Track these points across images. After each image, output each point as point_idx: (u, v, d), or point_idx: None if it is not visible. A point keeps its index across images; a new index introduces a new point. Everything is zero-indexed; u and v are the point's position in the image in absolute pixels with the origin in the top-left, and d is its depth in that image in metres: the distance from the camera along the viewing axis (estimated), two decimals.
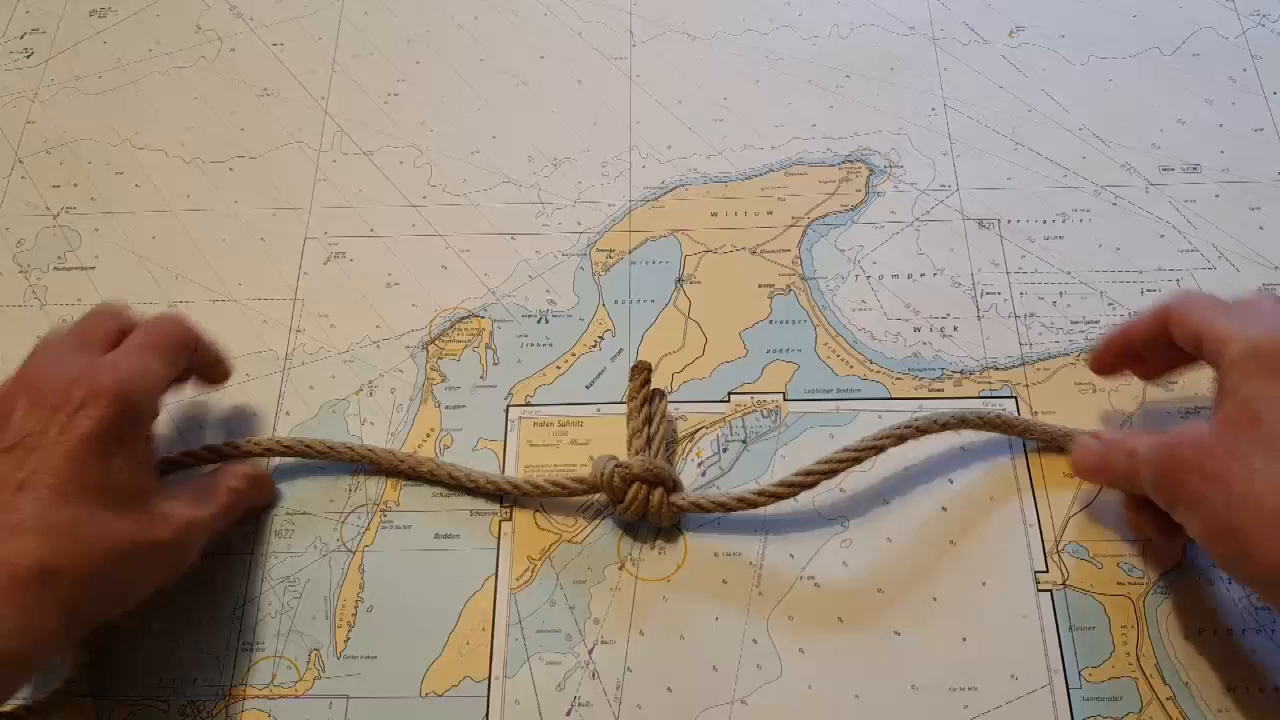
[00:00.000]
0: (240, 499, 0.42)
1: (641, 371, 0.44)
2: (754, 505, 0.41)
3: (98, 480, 0.35)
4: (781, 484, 0.41)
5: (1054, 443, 0.43)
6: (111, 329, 0.40)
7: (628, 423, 0.44)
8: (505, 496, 0.44)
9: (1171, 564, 0.41)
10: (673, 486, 0.42)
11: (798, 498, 0.43)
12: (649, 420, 0.43)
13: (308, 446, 0.44)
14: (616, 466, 0.41)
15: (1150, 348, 0.40)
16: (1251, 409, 0.33)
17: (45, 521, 0.33)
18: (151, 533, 0.36)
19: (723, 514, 0.42)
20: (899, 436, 0.42)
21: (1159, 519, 0.37)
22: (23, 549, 0.32)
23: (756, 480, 0.44)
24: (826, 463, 0.41)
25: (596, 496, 0.43)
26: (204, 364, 0.43)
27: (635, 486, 0.41)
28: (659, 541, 0.43)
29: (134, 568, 0.35)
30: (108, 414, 0.35)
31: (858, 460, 0.41)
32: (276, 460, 0.45)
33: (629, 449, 0.43)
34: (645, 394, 0.44)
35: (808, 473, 0.41)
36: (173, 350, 0.40)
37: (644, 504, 0.41)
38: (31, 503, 0.33)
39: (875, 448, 0.42)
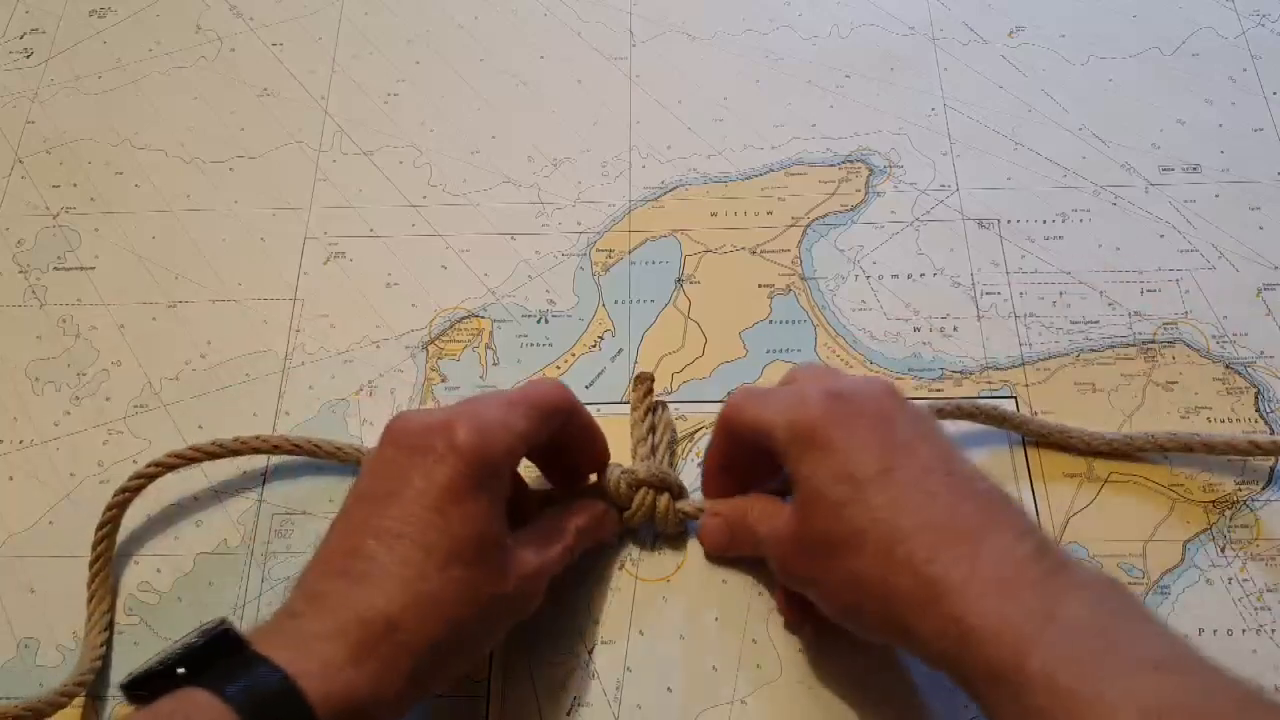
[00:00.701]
0: (585, 537, 0.40)
1: (644, 382, 0.45)
2: None
3: (451, 532, 0.33)
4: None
5: (1050, 439, 0.43)
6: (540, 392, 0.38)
7: (631, 431, 0.44)
8: None
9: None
10: (678, 493, 0.42)
11: None
12: (653, 429, 0.44)
13: (316, 446, 0.44)
14: (623, 473, 0.41)
15: (741, 459, 0.39)
16: (811, 488, 0.34)
17: (395, 574, 0.32)
18: (499, 586, 0.34)
19: None
20: None
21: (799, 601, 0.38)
22: (372, 599, 0.31)
23: None
24: None
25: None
26: (578, 437, 0.40)
27: (642, 492, 0.41)
28: (659, 541, 0.43)
29: (480, 623, 0.34)
30: (464, 467, 0.34)
31: None
32: (275, 460, 0.45)
33: (634, 457, 0.43)
34: (649, 404, 0.44)
35: None
36: (541, 411, 0.37)
37: (650, 510, 0.41)
38: (385, 552, 0.32)
39: None
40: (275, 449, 0.44)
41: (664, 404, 0.45)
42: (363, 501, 0.34)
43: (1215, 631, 0.40)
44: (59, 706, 0.39)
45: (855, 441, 0.33)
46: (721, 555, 0.41)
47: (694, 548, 0.43)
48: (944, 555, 0.31)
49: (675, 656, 0.41)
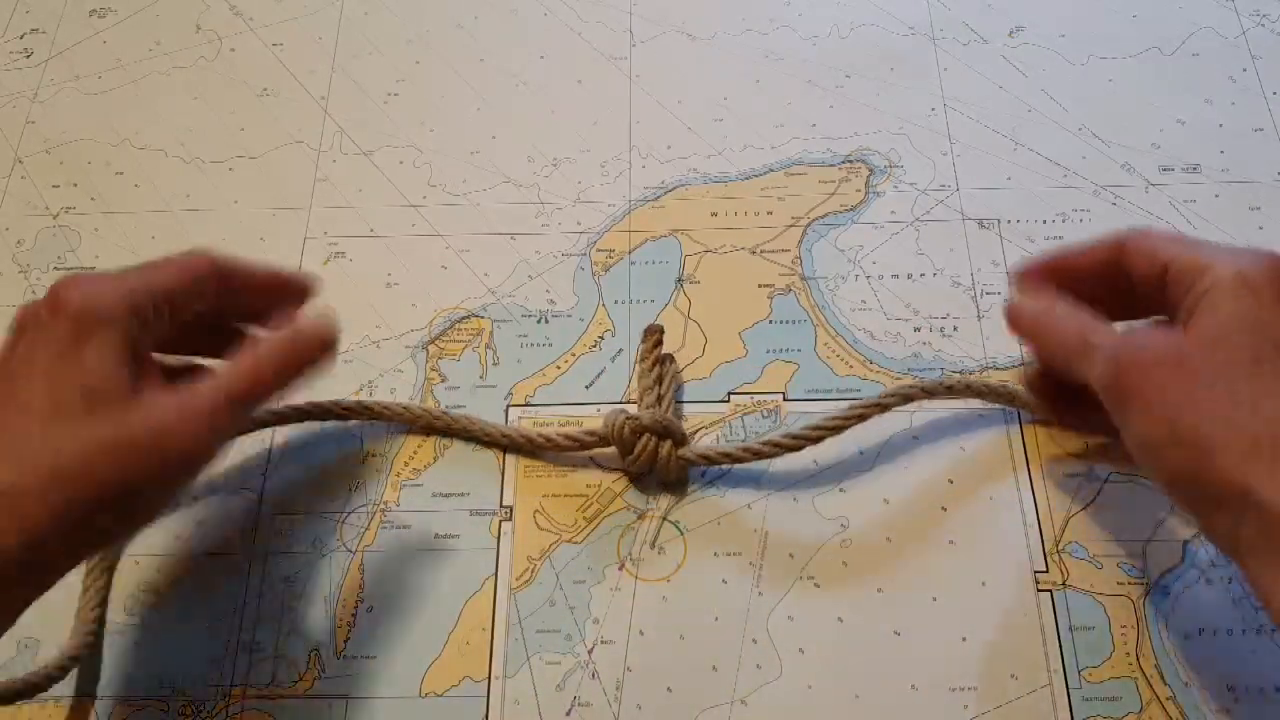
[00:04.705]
0: (269, 370, 0.36)
1: (654, 333, 0.45)
2: (760, 456, 0.42)
3: (52, 390, 0.32)
4: (789, 435, 0.42)
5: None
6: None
7: (638, 381, 0.44)
8: (518, 449, 0.45)
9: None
10: (681, 440, 0.42)
11: (797, 498, 0.43)
12: (659, 380, 0.44)
13: (323, 409, 0.45)
14: (627, 419, 0.42)
15: (1089, 282, 0.38)
16: (1237, 328, 0.32)
17: None
18: (122, 432, 0.32)
19: (730, 465, 0.43)
20: (905, 396, 0.43)
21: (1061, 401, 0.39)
22: None
23: (756, 481, 0.44)
24: (834, 419, 0.42)
25: (599, 496, 0.43)
26: (256, 289, 0.38)
27: (645, 438, 0.42)
28: (659, 541, 0.43)
29: (118, 474, 0.32)
30: (66, 323, 0.33)
31: (864, 418, 0.42)
32: (276, 460, 0.45)
33: (639, 405, 0.44)
34: (657, 355, 0.45)
35: (816, 427, 0.42)
36: (169, 267, 0.36)
37: (652, 456, 0.42)
38: None
39: (880, 405, 0.42)
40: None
41: (672, 357, 0.46)
42: None
43: (1215, 631, 0.40)
44: (39, 687, 0.39)
45: None
46: (1020, 332, 0.39)
47: (694, 548, 0.43)
48: None
49: (675, 656, 0.41)
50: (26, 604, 0.33)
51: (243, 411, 0.35)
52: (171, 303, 0.35)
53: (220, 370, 0.35)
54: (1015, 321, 0.39)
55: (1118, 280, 0.37)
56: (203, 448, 0.34)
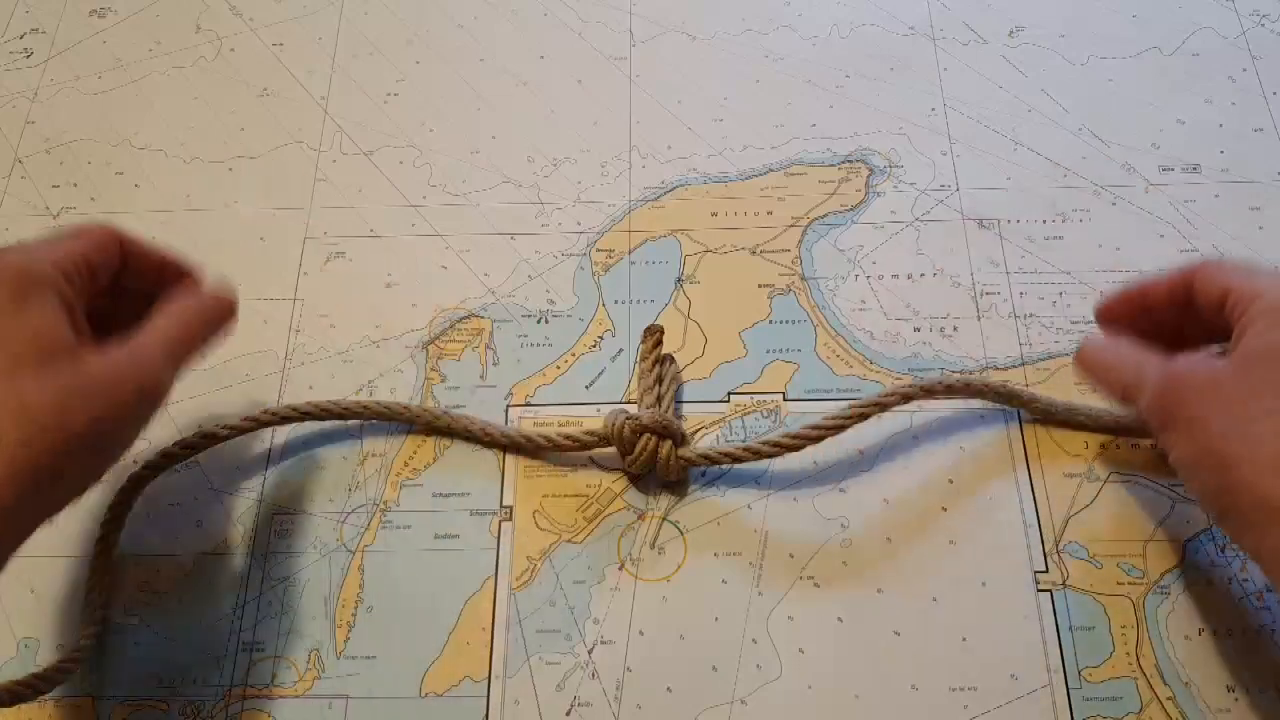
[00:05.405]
0: (196, 319, 0.39)
1: (654, 333, 0.45)
2: (761, 456, 0.42)
3: (8, 350, 0.33)
4: (789, 435, 0.42)
5: (1057, 416, 0.44)
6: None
7: (638, 381, 0.44)
8: (519, 450, 0.45)
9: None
10: (680, 441, 0.42)
11: (797, 498, 0.43)
12: (659, 380, 0.44)
13: (323, 409, 0.45)
14: (627, 419, 0.42)
15: (1164, 311, 0.39)
16: (1271, 353, 0.34)
17: None
18: (77, 379, 0.33)
19: (730, 465, 0.43)
20: (905, 396, 0.43)
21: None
22: None
23: (756, 481, 0.44)
24: (834, 419, 0.42)
25: (599, 496, 0.43)
26: (147, 267, 0.40)
27: (645, 438, 0.42)
28: (659, 541, 0.43)
29: (82, 419, 0.33)
30: (5, 289, 0.34)
31: (864, 417, 0.42)
32: (275, 460, 0.45)
33: (639, 405, 0.44)
34: (657, 355, 0.45)
35: (816, 427, 0.42)
36: (86, 236, 0.37)
37: (652, 456, 0.42)
38: None
39: (880, 405, 0.42)
40: (283, 420, 0.45)
41: (672, 358, 0.46)
42: None
43: (1215, 631, 0.40)
44: (40, 690, 0.39)
45: None
46: (1086, 370, 0.41)
47: (694, 548, 0.43)
48: None
49: (675, 656, 0.41)
50: (3, 562, 0.33)
51: (182, 357, 0.38)
52: (91, 268, 0.37)
53: (151, 323, 0.38)
54: (1080, 360, 0.41)
55: (1189, 310, 0.38)
56: (157, 384, 0.36)
